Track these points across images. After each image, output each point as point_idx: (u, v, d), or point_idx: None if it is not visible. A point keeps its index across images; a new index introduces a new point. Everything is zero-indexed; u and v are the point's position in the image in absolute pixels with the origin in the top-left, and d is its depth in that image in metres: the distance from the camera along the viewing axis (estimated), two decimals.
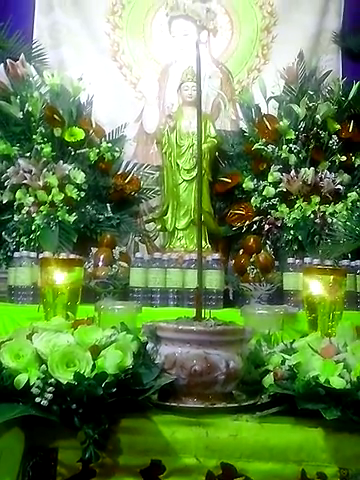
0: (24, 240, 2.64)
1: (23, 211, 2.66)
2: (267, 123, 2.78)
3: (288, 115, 2.79)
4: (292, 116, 2.78)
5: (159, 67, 3.23)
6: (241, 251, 2.61)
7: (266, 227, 2.71)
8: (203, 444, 1.25)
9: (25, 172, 2.68)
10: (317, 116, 2.74)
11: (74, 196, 2.68)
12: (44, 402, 1.16)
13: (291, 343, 1.48)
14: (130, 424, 1.26)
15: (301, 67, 2.86)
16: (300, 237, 2.64)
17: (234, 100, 3.15)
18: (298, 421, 1.29)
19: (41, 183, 2.66)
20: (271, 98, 2.85)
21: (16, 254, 2.55)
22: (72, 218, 2.66)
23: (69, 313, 1.49)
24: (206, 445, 1.25)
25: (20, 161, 2.70)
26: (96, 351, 1.24)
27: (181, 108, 2.90)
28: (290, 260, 2.51)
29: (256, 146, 2.78)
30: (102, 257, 2.53)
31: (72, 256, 2.43)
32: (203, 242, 2.75)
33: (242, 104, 2.96)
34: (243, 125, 2.96)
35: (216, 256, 2.50)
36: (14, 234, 2.67)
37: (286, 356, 1.40)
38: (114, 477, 1.22)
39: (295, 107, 2.75)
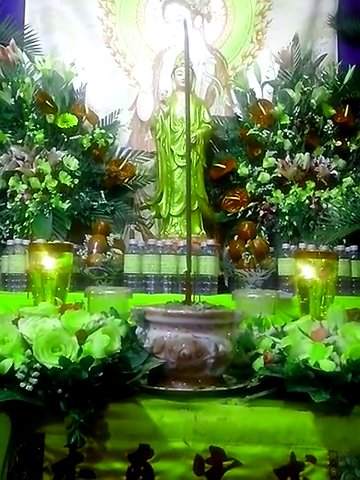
0: (17, 228, 2.63)
1: (16, 199, 2.65)
2: (262, 108, 2.75)
3: (283, 100, 2.76)
4: (287, 101, 2.75)
5: (153, 54, 3.19)
6: (236, 237, 2.59)
7: (261, 213, 2.69)
8: (192, 428, 1.24)
9: (18, 159, 2.66)
10: (312, 101, 2.72)
11: (67, 183, 2.66)
12: (29, 387, 1.15)
13: (282, 327, 1.47)
14: (118, 409, 1.25)
15: (296, 51, 2.83)
16: (295, 223, 2.63)
17: (229, 86, 3.12)
18: (287, 404, 1.28)
19: (34, 170, 2.64)
20: (266, 83, 2.83)
21: (9, 242, 2.54)
22: (66, 205, 2.64)
23: (57, 298, 1.47)
24: (195, 429, 1.24)
25: (12, 148, 2.67)
26: (83, 335, 1.23)
27: (175, 93, 2.87)
28: (285, 246, 2.50)
29: (251, 131, 2.76)
30: (96, 244, 2.52)
31: (66, 243, 2.42)
32: (198, 228, 2.75)
33: (237, 91, 2.93)
34: (238, 111, 2.94)
35: (210, 242, 2.48)
36: (7, 222, 2.66)
37: (276, 339, 1.39)
38: (102, 461, 1.22)
39: (290, 92, 2.73)
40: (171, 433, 1.24)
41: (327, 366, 1.26)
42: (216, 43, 3.18)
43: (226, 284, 2.49)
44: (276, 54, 2.85)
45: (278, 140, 2.71)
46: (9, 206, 2.66)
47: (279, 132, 2.71)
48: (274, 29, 3.11)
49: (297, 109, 2.73)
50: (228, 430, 1.25)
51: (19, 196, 2.64)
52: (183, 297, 1.53)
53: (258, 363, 1.37)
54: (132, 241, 2.56)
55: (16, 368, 1.16)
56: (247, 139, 2.80)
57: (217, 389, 1.33)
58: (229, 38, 3.17)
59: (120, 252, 2.50)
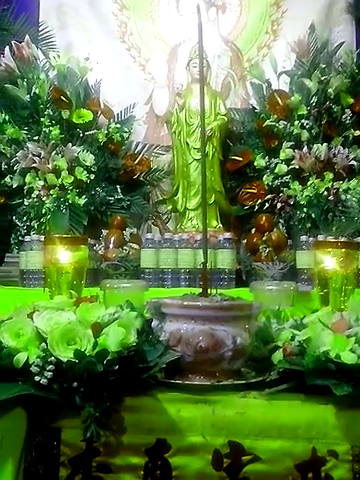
0: (35, 224, 2.64)
1: (33, 195, 2.66)
2: (278, 99, 2.71)
3: (300, 90, 2.71)
4: (304, 91, 2.70)
5: (168, 48, 3.16)
6: (253, 230, 2.57)
7: (278, 205, 2.65)
8: (209, 422, 1.22)
9: (34, 156, 2.66)
10: (329, 90, 2.66)
11: (84, 178, 2.66)
12: (44, 380, 1.13)
13: (301, 319, 1.43)
14: (134, 402, 1.23)
15: (312, 40, 2.77)
16: (313, 215, 2.59)
17: (244, 78, 3.08)
18: (308, 398, 1.25)
19: (50, 166, 2.64)
20: (282, 73, 2.78)
21: (27, 238, 2.54)
22: (82, 201, 2.64)
23: (72, 291, 1.46)
24: (213, 423, 1.22)
25: (29, 145, 2.68)
26: (98, 328, 1.21)
27: (190, 86, 2.84)
28: (303, 238, 2.45)
29: (267, 123, 2.72)
30: (113, 239, 2.51)
31: (81, 237, 2.41)
32: (214, 222, 2.72)
33: (253, 82, 2.89)
34: (254, 102, 2.90)
35: (227, 235, 2.46)
36: (25, 218, 2.67)
37: (296, 332, 1.35)
38: (119, 456, 1.20)
39: (307, 81, 2.68)
40: (189, 427, 1.22)
41: (349, 358, 1.22)
42: (231, 35, 3.13)
43: (243, 278, 2.47)
44: (292, 44, 2.80)
45: (295, 131, 2.67)
46: (26, 203, 2.66)
47: (296, 123, 2.66)
48: (290, 19, 3.05)
49: (314, 99, 2.67)
50: (247, 424, 1.22)
51: (36, 192, 2.65)
52: (200, 291, 1.51)
53: (277, 356, 1.34)
54: (148, 235, 2.54)
55: (31, 362, 1.15)
56: (264, 131, 2.76)
57: (235, 382, 1.31)
58: (244, 29, 3.12)
59: (137, 247, 2.49)
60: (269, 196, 2.69)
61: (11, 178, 2.72)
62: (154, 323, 1.35)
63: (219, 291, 1.43)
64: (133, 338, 1.23)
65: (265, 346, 1.40)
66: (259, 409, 1.24)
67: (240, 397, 1.27)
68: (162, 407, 1.23)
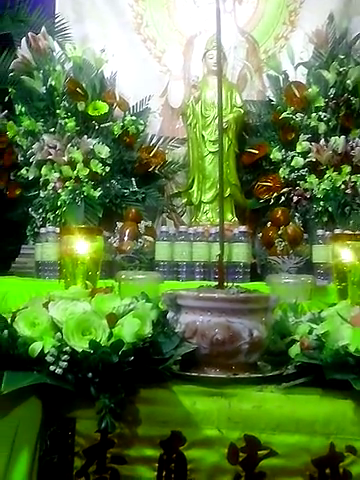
0: (50, 216, 2.65)
1: (49, 187, 2.66)
2: (295, 90, 2.68)
3: (317, 81, 2.69)
4: (321, 82, 2.68)
5: (184, 39, 3.14)
6: (269, 224, 2.55)
7: (295, 199, 2.64)
8: (225, 415, 1.20)
9: (50, 148, 2.66)
10: (348, 81, 2.63)
11: (99, 171, 2.66)
12: (58, 370, 1.12)
13: (319, 312, 1.41)
14: (149, 394, 1.22)
15: (331, 30, 2.74)
16: (330, 208, 2.57)
17: (260, 70, 3.05)
18: (326, 392, 1.22)
19: (66, 158, 2.65)
20: (299, 64, 2.75)
21: (42, 230, 2.56)
22: (97, 193, 2.64)
23: (87, 282, 1.45)
24: (228, 416, 1.20)
25: (45, 137, 2.68)
26: (113, 319, 1.20)
27: (206, 78, 2.83)
28: (320, 232, 2.44)
29: (284, 115, 2.69)
30: (127, 231, 2.51)
31: (96, 227, 2.41)
32: (230, 215, 2.70)
33: (270, 76, 2.86)
34: (270, 94, 2.87)
35: (243, 228, 2.45)
36: (40, 210, 2.69)
37: (314, 325, 1.33)
38: (133, 448, 1.19)
39: (324, 73, 2.65)
40: (204, 420, 1.20)
41: None
42: (247, 26, 3.10)
43: (258, 271, 2.45)
44: (310, 34, 2.76)
45: (312, 123, 2.65)
46: (42, 195, 2.68)
47: (313, 115, 2.64)
48: (308, 9, 3.01)
49: (332, 91, 2.65)
50: (263, 418, 1.20)
51: (51, 184, 2.65)
52: (216, 283, 1.49)
53: (294, 349, 1.31)
54: (163, 228, 2.54)
55: (46, 351, 1.14)
56: (280, 123, 2.74)
57: (252, 376, 1.29)
58: (261, 20, 3.08)
59: (151, 239, 2.49)
60: (285, 189, 2.68)
61: (27, 170, 2.73)
62: (169, 315, 1.33)
63: (235, 284, 1.41)
64: (148, 329, 1.22)
65: (282, 340, 1.38)
66: (276, 403, 1.22)
67: (257, 391, 1.24)
68: (177, 399, 1.21)
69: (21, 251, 2.71)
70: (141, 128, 2.83)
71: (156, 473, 1.18)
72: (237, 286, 1.39)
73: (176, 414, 1.20)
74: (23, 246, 2.73)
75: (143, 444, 1.19)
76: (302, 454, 1.17)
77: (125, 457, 1.18)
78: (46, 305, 1.25)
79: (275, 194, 2.69)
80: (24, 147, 2.74)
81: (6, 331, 1.18)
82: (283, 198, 2.67)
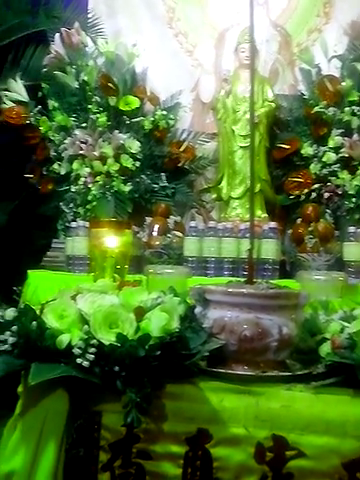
0: (81, 210, 2.67)
1: (80, 182, 2.68)
2: (328, 84, 2.62)
3: (351, 75, 2.62)
4: (356, 76, 2.61)
5: (216, 33, 3.10)
6: (299, 220, 2.51)
7: (326, 195, 2.59)
8: (253, 414, 1.18)
9: (81, 143, 2.68)
10: None
11: (129, 166, 2.66)
12: (85, 363, 1.12)
13: (351, 311, 1.38)
14: (176, 390, 1.20)
15: None
16: None
17: (293, 64, 2.99)
18: (357, 393, 1.19)
19: (97, 153, 2.66)
20: (333, 57, 2.68)
21: (73, 224, 2.59)
22: (127, 188, 2.65)
23: (115, 275, 1.45)
24: (256, 415, 1.18)
25: (77, 132, 2.70)
26: (140, 313, 1.19)
27: (237, 71, 2.79)
28: (351, 229, 2.39)
29: (316, 109, 2.64)
30: (156, 227, 2.51)
31: (126, 221, 2.42)
32: (259, 211, 2.66)
33: (302, 69, 2.81)
34: (302, 88, 2.82)
35: (272, 225, 2.41)
36: (71, 205, 2.71)
37: (345, 324, 1.30)
38: (159, 443, 1.18)
39: (359, 66, 2.58)
40: (231, 418, 1.18)
41: None
42: (280, 19, 3.04)
43: (287, 269, 2.42)
44: (345, 26, 2.69)
45: (345, 118, 2.58)
46: (73, 189, 2.69)
47: (346, 109, 2.58)
48: (343, 0, 2.94)
49: None
50: (292, 418, 1.17)
51: (82, 179, 2.67)
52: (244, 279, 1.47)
53: (325, 348, 1.28)
54: (192, 223, 2.52)
55: (73, 344, 1.14)
56: (312, 118, 2.68)
57: (280, 374, 1.27)
58: (294, 13, 3.02)
59: (180, 235, 2.48)
60: (316, 185, 2.63)
61: (59, 165, 2.75)
62: (197, 310, 1.32)
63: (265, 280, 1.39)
64: (176, 324, 1.21)
65: (312, 338, 1.35)
66: (305, 403, 1.19)
67: (285, 389, 1.22)
68: (204, 396, 1.20)
69: (52, 245, 2.74)
70: (171, 123, 2.82)
71: (181, 470, 1.17)
72: (267, 282, 1.37)
73: (203, 411, 1.19)
74: (54, 240, 2.75)
75: (169, 440, 1.18)
76: (332, 456, 1.14)
77: (150, 453, 1.18)
78: (74, 298, 1.25)
79: (306, 190, 2.64)
80: (56, 142, 2.76)
81: (34, 323, 1.18)
82: (314, 194, 2.62)
